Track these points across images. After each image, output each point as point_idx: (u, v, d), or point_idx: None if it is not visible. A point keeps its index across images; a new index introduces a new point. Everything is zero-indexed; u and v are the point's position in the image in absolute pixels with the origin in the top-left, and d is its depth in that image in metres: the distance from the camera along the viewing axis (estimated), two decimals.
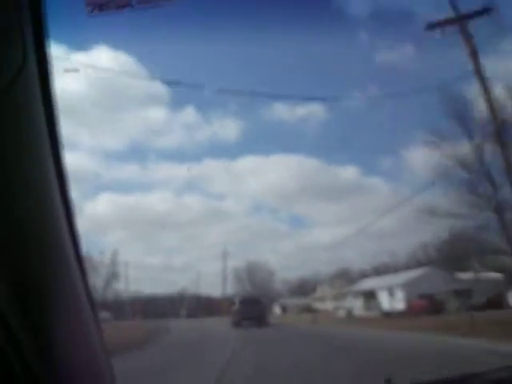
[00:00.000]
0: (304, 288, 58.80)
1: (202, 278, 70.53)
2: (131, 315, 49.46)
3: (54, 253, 0.70)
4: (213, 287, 54.78)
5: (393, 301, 34.14)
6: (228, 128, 66.90)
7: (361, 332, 20.21)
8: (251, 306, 25.54)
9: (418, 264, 40.26)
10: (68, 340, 0.77)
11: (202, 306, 55.48)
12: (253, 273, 58.43)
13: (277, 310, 54.99)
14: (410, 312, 29.08)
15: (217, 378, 8.04)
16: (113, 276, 53.93)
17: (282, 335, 18.88)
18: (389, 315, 31.10)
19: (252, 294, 35.87)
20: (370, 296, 37.85)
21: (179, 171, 61.53)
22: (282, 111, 60.53)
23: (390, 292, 35.08)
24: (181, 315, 50.66)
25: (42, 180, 0.65)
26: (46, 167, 0.65)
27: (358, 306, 38.01)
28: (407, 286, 33.21)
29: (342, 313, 38.33)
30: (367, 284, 41.21)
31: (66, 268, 0.72)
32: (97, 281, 50.89)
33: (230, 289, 56.08)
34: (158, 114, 64.36)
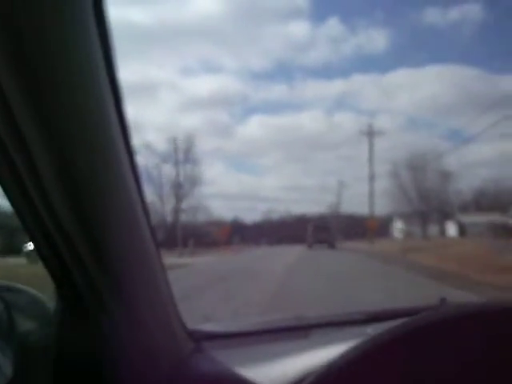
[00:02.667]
0: (480, 203, 48.12)
1: (356, 198, 63.53)
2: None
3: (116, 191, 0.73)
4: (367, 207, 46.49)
5: None
6: (375, 38, 62.76)
7: None
8: (322, 232, 31.45)
9: None
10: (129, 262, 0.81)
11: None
12: (419, 178, 43.26)
13: (451, 229, 43.32)
14: None
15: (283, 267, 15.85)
16: (192, 182, 41.26)
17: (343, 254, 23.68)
18: None
19: (323, 221, 37.88)
20: None
21: (328, 88, 57.74)
22: (433, 15, 51.55)
23: None
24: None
25: (100, 106, 0.65)
26: (102, 94, 0.65)
27: None
28: None
29: None
30: None
31: (126, 193, 0.75)
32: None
33: (388, 205, 47.06)
34: (300, 28, 62.04)
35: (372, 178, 41.12)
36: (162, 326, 0.92)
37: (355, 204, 71.54)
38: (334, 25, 65.18)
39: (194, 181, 41.86)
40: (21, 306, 0.91)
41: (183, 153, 42.20)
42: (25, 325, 0.88)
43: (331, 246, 30.96)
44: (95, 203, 0.71)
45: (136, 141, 0.77)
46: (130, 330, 0.84)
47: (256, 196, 71.16)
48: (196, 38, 64.08)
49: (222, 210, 68.97)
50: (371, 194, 41.44)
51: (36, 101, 0.59)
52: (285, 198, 75.43)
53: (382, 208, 48.57)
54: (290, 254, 24.60)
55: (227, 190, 69.73)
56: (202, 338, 1.06)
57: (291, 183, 74.58)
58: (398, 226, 50.15)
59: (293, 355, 0.98)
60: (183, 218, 41.52)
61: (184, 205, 41.78)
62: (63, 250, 0.75)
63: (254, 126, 66.66)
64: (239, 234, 46.87)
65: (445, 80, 57.04)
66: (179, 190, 41.52)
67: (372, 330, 0.97)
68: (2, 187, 0.71)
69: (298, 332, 1.15)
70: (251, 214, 66.87)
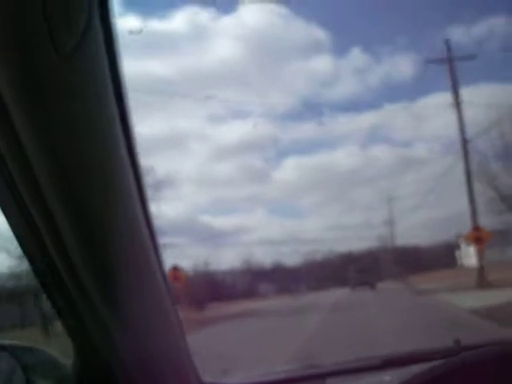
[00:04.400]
0: None
1: (404, 231, 57.78)
2: None
3: (122, 207, 0.75)
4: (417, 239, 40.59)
5: None
6: (401, 65, 60.57)
7: None
8: (363, 274, 33.57)
9: None
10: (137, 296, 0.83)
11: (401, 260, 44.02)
12: None
13: None
14: None
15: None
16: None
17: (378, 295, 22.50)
18: None
19: (364, 264, 38.49)
20: None
21: (359, 122, 55.75)
22: (457, 34, 47.71)
23: None
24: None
25: (111, 146, 0.71)
26: (114, 135, 0.70)
27: None
28: None
29: None
30: None
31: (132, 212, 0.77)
32: None
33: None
34: (322, 63, 61.40)
35: (465, 143, 22.70)
36: (178, 380, 0.94)
37: (406, 237, 68.09)
38: (356, 55, 63.51)
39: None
40: (37, 366, 0.93)
41: None
42: None
43: (372, 287, 31.96)
44: (111, 257, 0.74)
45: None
46: None
47: (299, 239, 68.98)
48: (219, 84, 62.92)
49: (265, 257, 66.64)
50: (468, 178, 22.59)
51: (55, 155, 0.64)
52: (329, 238, 72.99)
53: (439, 232, 40.75)
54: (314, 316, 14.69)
55: (270, 236, 67.21)
56: None
57: (334, 222, 72.38)
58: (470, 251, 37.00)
59: None
60: None
61: None
62: (78, 300, 0.77)
63: (289, 169, 64.89)
64: (276, 279, 42.91)
65: (479, 100, 52.10)
66: None
67: (390, 377, 0.98)
68: (18, 239, 0.76)
69: (314, 381, 1.18)
70: (295, 258, 63.46)
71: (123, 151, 0.71)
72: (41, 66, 0.57)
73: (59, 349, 1.01)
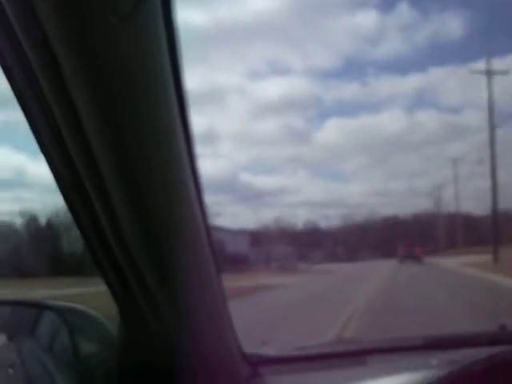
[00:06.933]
0: None
1: (450, 200, 53.99)
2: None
3: (178, 195, 0.76)
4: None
5: None
6: (451, 23, 53.59)
7: None
8: (411, 249, 34.76)
9: None
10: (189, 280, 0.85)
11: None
12: None
13: None
14: None
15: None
16: None
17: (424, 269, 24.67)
18: None
19: (411, 240, 38.35)
20: None
21: (404, 84, 52.84)
22: None
23: None
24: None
25: (166, 116, 0.70)
26: (169, 103, 0.69)
27: None
28: None
29: None
30: None
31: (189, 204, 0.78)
32: None
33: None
34: (367, 19, 56.91)
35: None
36: (220, 349, 0.95)
37: (453, 206, 64.49)
38: (403, 11, 58.72)
39: None
40: (83, 328, 0.95)
41: None
42: (87, 348, 0.93)
43: (418, 261, 32.50)
44: (159, 222, 0.73)
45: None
46: (189, 353, 0.87)
47: (342, 202, 66.82)
48: (259, 37, 61.15)
49: (309, 219, 65.01)
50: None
51: (103, 110, 0.62)
52: (371, 203, 70.40)
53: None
54: None
55: (312, 198, 66.09)
56: (259, 363, 1.10)
57: (377, 187, 70.62)
58: None
59: None
60: None
61: None
62: (126, 270, 0.78)
63: (332, 131, 63.13)
64: (317, 244, 41.87)
65: None
66: None
67: (436, 360, 0.96)
68: (71, 210, 0.76)
69: (355, 358, 1.13)
70: (337, 222, 61.95)
71: (176, 116, 0.70)
72: (97, 27, 0.56)
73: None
